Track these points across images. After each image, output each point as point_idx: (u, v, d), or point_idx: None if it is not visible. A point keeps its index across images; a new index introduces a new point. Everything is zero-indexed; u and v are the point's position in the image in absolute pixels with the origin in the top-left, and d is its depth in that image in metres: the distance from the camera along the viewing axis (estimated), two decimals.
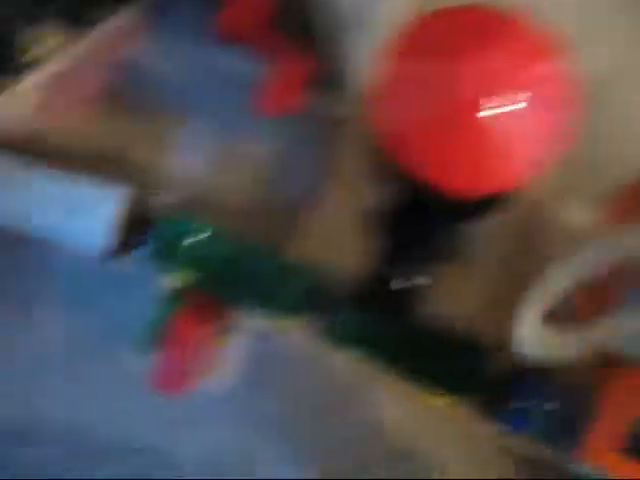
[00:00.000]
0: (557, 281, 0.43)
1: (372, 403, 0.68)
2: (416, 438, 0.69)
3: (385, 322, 0.54)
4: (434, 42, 0.45)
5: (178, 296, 0.57)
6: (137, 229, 0.58)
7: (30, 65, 0.63)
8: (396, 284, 0.51)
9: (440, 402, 0.59)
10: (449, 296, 0.60)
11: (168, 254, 0.59)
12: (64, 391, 0.69)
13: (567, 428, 0.53)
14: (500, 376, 0.54)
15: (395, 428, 0.68)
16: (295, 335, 0.64)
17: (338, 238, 0.63)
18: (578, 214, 0.61)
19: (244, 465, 0.69)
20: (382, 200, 0.57)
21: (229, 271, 0.59)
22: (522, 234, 0.64)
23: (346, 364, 0.65)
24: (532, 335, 0.40)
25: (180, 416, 0.68)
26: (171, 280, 0.62)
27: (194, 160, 0.67)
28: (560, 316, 0.47)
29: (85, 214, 0.57)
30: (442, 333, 0.55)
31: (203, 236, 0.59)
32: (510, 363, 0.53)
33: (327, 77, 0.65)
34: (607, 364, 0.49)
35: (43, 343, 0.71)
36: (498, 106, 0.43)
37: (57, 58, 0.64)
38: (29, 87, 0.64)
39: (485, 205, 0.48)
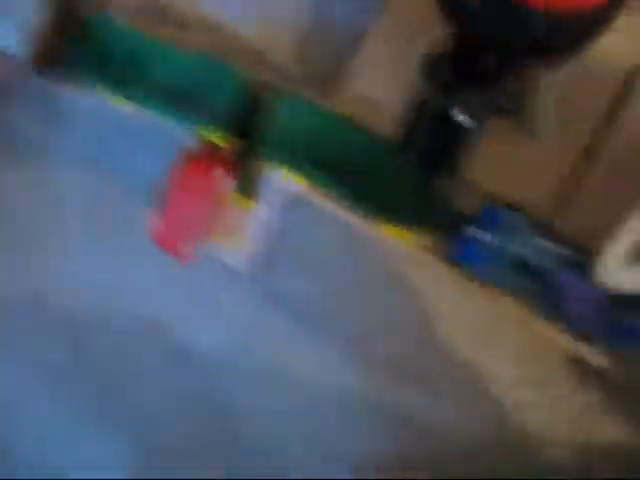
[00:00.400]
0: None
1: (415, 289, 0.59)
2: (463, 336, 0.61)
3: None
4: None
5: (186, 148, 0.49)
6: (65, 37, 0.52)
7: None
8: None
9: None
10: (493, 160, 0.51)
11: (102, 63, 0.52)
12: (80, 250, 0.66)
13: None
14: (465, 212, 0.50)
15: (440, 320, 0.59)
16: (325, 204, 0.56)
17: (386, 79, 0.54)
18: None
19: (265, 350, 0.62)
20: (440, 40, 0.47)
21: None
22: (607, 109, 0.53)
23: (392, 248, 0.57)
24: (615, 270, 0.41)
25: (193, 291, 0.63)
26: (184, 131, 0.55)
27: None
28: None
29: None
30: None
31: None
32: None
33: None
34: None
35: (60, 199, 0.66)
36: None
37: None
38: None
39: (568, 30, 0.37)
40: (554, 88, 0.49)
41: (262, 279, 0.62)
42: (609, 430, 0.58)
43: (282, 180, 0.58)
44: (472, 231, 0.47)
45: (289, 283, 0.61)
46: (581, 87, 0.53)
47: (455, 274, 0.55)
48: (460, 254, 0.49)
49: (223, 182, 0.49)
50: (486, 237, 0.47)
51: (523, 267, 0.48)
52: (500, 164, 0.53)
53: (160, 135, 0.59)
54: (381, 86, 0.55)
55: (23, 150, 0.67)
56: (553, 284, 0.47)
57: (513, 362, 0.59)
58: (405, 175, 0.48)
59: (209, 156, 0.50)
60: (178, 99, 0.51)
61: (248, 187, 0.57)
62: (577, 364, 0.58)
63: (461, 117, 0.40)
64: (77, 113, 0.65)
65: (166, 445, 0.64)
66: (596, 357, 0.54)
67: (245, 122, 0.51)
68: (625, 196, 0.53)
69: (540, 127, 0.52)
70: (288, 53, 0.60)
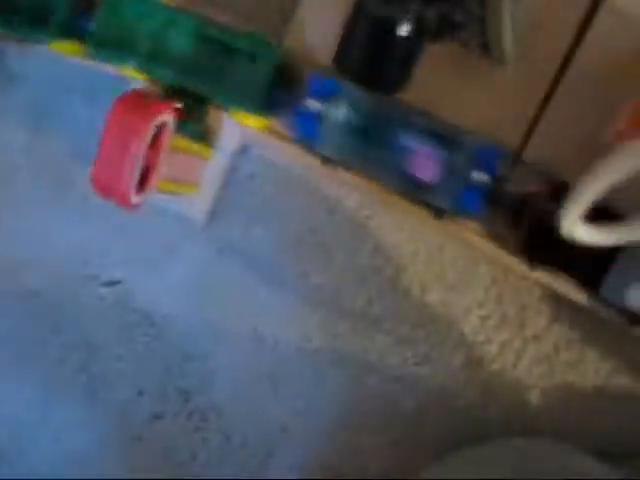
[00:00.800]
0: (595, 183, 0.43)
1: (378, 232, 0.57)
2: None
3: None
4: None
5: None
6: None
7: None
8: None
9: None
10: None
11: None
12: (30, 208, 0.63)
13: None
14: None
15: (406, 263, 0.57)
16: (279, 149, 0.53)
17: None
18: None
19: (224, 303, 0.60)
20: None
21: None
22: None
23: (351, 191, 0.55)
24: (574, 227, 0.41)
25: (149, 248, 0.60)
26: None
27: None
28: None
29: None
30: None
31: None
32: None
33: None
34: None
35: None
36: None
37: None
38: None
39: None
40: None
41: (218, 229, 0.59)
42: (587, 370, 0.56)
43: (235, 125, 0.55)
44: (305, 103, 0.45)
45: (245, 232, 0.59)
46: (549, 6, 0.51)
47: (420, 213, 0.53)
48: (299, 129, 0.46)
49: (160, 124, 0.46)
50: (319, 107, 0.45)
51: (363, 135, 0.45)
52: (464, 92, 0.51)
53: (103, 90, 0.57)
54: (328, 22, 0.52)
55: None
56: (395, 149, 0.44)
57: (485, 302, 0.56)
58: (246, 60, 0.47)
59: (143, 98, 0.47)
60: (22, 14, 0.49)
61: (202, 133, 0.54)
62: (553, 300, 0.55)
63: (404, 30, 0.37)
64: (21, 73, 0.62)
65: (138, 409, 0.62)
66: (573, 292, 0.51)
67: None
68: (592, 119, 0.51)
69: (503, 48, 0.49)
70: None
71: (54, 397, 0.63)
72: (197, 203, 0.57)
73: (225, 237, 0.59)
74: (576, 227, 0.43)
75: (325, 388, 0.58)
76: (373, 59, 0.38)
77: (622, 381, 0.55)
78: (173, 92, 0.52)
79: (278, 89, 0.47)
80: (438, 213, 0.47)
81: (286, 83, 0.47)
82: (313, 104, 0.45)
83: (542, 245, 0.46)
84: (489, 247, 0.53)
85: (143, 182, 0.47)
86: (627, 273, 0.46)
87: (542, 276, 0.53)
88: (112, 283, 0.61)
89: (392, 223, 0.56)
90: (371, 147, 0.44)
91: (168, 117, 0.46)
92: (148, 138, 0.44)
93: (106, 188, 0.46)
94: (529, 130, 0.52)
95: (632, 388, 0.55)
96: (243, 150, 0.57)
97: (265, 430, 0.60)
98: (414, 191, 0.45)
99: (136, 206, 0.47)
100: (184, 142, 0.51)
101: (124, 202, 0.46)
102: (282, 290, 0.58)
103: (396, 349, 0.58)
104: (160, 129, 0.46)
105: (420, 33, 0.38)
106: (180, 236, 0.59)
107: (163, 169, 0.49)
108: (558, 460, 0.54)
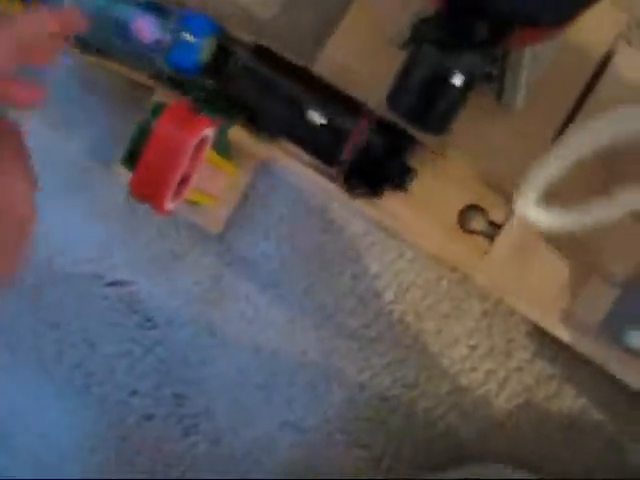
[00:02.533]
0: (554, 161, 0.45)
1: (381, 259, 0.61)
2: None
3: None
4: None
5: (159, 107, 0.48)
6: None
7: None
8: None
9: None
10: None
11: None
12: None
13: None
14: None
15: (404, 290, 0.61)
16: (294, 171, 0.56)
17: (364, 47, 0.56)
18: None
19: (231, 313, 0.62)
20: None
21: None
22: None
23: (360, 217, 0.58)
24: (528, 209, 0.43)
25: (159, 252, 0.62)
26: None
27: None
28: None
29: None
30: None
31: None
32: None
33: None
34: None
35: None
36: None
37: None
38: None
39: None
40: (538, 59, 0.51)
41: (229, 242, 0.61)
42: (563, 404, 0.60)
43: (254, 143, 0.58)
44: None
45: (255, 247, 0.61)
46: (562, 61, 0.55)
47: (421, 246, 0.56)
48: None
49: (201, 138, 0.48)
50: None
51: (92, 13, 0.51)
52: (476, 134, 0.55)
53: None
54: (358, 53, 0.56)
55: None
56: (121, 21, 0.52)
57: (475, 332, 0.60)
58: None
59: (188, 112, 0.49)
60: None
61: (227, 147, 0.56)
62: (538, 336, 0.60)
63: (457, 77, 0.41)
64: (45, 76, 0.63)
65: (129, 409, 0.63)
66: (557, 328, 0.56)
67: None
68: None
69: (517, 97, 0.53)
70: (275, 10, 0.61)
71: (47, 390, 0.64)
72: (214, 215, 0.59)
73: (236, 250, 0.61)
74: (530, 210, 0.46)
75: (317, 402, 0.61)
76: (426, 103, 0.41)
77: (593, 417, 0.60)
78: (202, 105, 0.54)
79: None
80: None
81: None
82: None
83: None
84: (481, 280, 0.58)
85: (177, 191, 0.49)
86: (626, 314, 0.51)
87: (530, 312, 0.57)
88: (117, 283, 0.62)
89: (395, 251, 0.60)
90: (101, 25, 0.52)
91: (210, 131, 0.49)
92: (188, 154, 0.47)
93: (145, 194, 0.48)
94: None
95: (600, 425, 0.60)
96: (263, 168, 0.60)
97: (254, 439, 0.62)
98: (140, 55, 0.53)
99: (169, 212, 0.49)
100: (212, 155, 0.54)
101: (160, 208, 0.48)
102: (285, 304, 0.61)
103: (387, 370, 0.61)
104: (201, 142, 0.48)
105: (469, 82, 0.41)
106: (192, 245, 0.61)
107: (194, 180, 0.52)
108: None
